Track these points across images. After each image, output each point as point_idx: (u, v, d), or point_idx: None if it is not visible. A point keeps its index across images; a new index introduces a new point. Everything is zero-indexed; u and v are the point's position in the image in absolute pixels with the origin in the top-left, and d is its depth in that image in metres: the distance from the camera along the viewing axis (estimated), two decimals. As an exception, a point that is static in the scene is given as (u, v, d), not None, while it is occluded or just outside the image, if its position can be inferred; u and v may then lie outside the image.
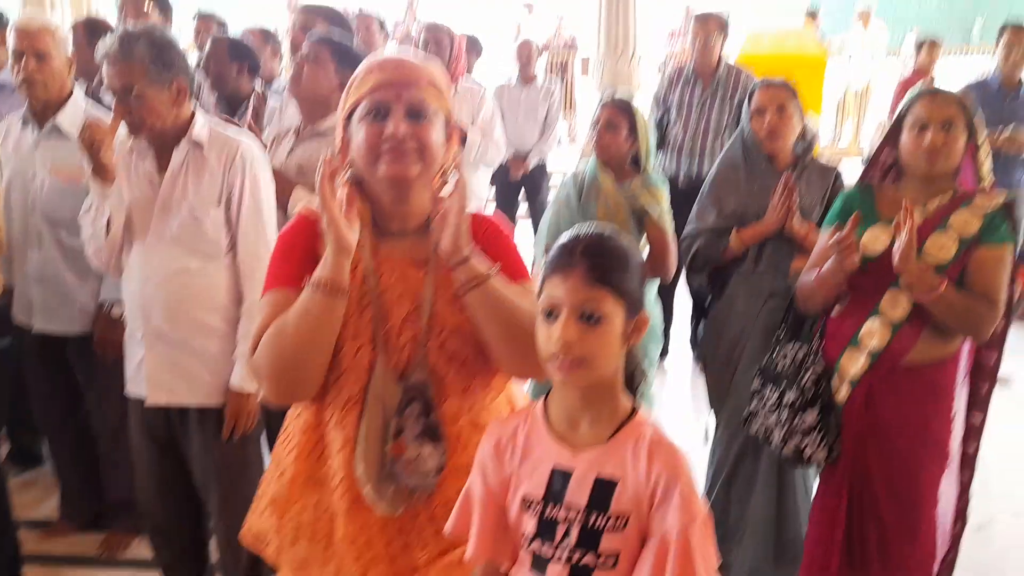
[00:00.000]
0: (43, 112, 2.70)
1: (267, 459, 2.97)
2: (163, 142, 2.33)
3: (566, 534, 1.35)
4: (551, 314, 1.32)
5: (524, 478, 1.40)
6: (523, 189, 5.70)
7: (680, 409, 4.31)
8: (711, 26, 4.50)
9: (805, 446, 2.36)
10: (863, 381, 2.31)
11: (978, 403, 2.42)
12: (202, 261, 2.31)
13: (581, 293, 1.29)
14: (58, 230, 2.73)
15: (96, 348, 2.78)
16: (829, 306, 2.41)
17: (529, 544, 1.38)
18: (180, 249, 2.31)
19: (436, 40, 3.97)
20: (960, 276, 2.22)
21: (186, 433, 2.43)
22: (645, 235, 3.07)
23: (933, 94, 2.29)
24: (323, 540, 1.60)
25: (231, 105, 3.63)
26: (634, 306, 1.33)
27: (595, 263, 1.30)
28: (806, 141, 2.90)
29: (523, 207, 5.95)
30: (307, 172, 2.72)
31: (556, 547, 1.35)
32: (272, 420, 2.92)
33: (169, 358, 2.34)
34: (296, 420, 1.65)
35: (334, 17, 3.70)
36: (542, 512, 1.37)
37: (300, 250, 1.55)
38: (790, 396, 2.39)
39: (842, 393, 2.35)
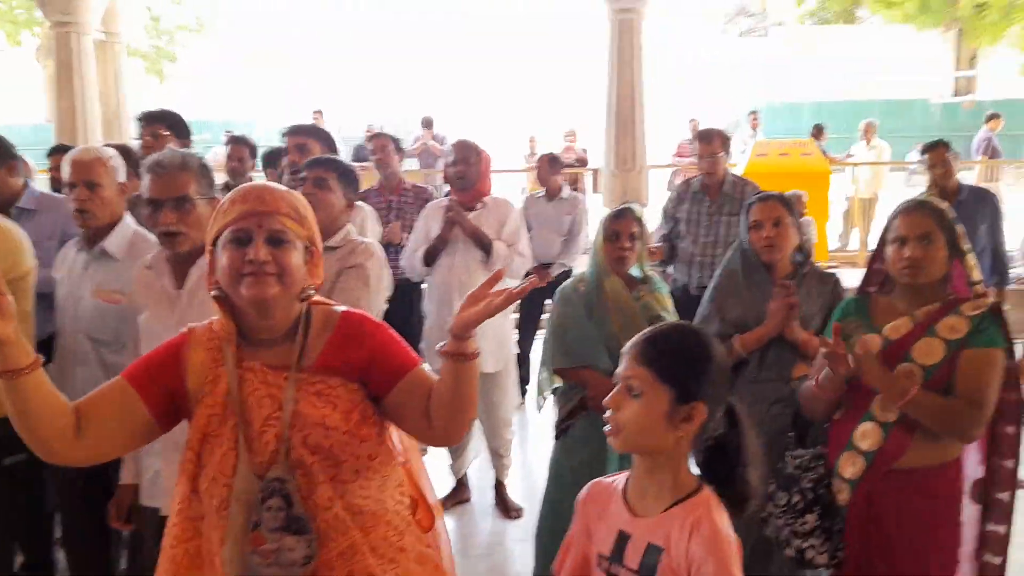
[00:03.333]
0: (95, 237, 2.84)
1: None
2: (182, 259, 2.46)
3: None
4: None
5: (599, 535, 1.62)
6: (547, 297, 5.83)
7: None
8: (715, 142, 4.70)
9: (806, 548, 2.39)
10: (862, 484, 2.35)
11: (1000, 514, 2.41)
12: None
13: (628, 370, 1.57)
14: (100, 349, 2.81)
15: None
16: (832, 412, 2.47)
17: None
18: None
19: (464, 157, 4.15)
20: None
21: None
22: None
23: (909, 209, 2.39)
24: None
25: None
26: (686, 394, 1.54)
27: (646, 348, 1.57)
28: (804, 251, 3.02)
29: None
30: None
31: None
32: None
33: None
34: (169, 532, 1.75)
35: (324, 136, 3.93)
36: (608, 568, 1.57)
37: (170, 367, 1.75)
38: (793, 499, 2.43)
39: (843, 495, 2.39)
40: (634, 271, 3.20)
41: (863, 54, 23.90)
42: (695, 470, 1.63)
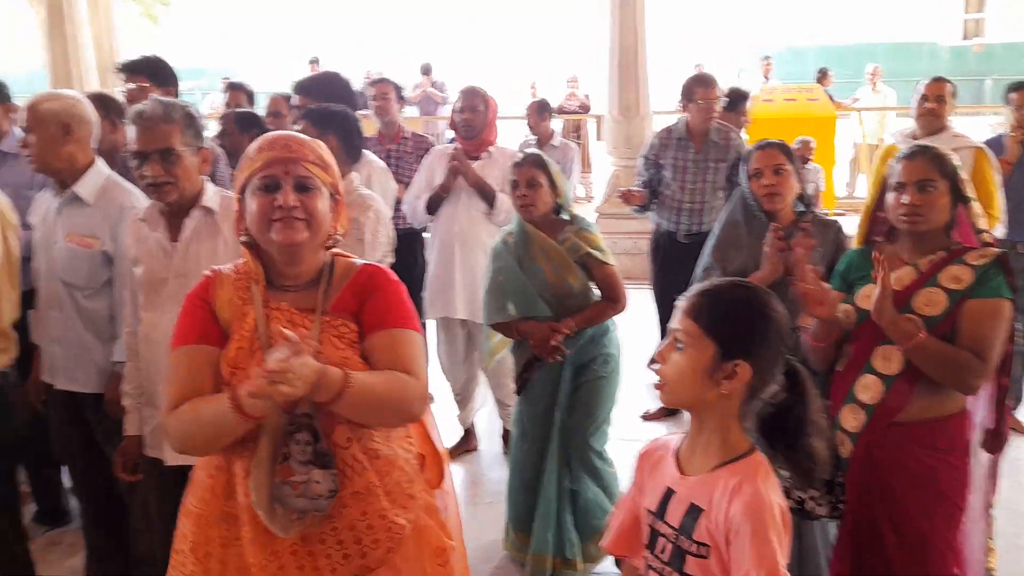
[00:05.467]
0: (66, 182, 2.84)
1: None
2: (175, 211, 2.46)
3: (663, 549, 1.54)
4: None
5: (648, 491, 1.62)
6: None
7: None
8: (715, 88, 4.62)
9: (806, 499, 2.37)
10: (863, 436, 2.33)
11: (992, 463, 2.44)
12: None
13: (676, 322, 1.55)
14: (75, 293, 2.84)
15: (107, 407, 2.86)
16: (831, 361, 2.45)
17: (644, 549, 1.61)
18: None
19: (471, 105, 4.08)
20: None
21: None
22: (592, 278, 3.17)
23: (911, 155, 2.34)
24: (235, 572, 1.72)
25: None
26: (730, 350, 1.50)
27: (695, 301, 1.55)
28: (805, 199, 2.98)
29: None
30: None
31: (656, 558, 1.56)
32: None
33: None
34: (202, 467, 1.81)
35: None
36: (652, 523, 1.58)
37: (201, 308, 1.79)
38: None
39: (845, 448, 2.37)
40: (564, 214, 3.21)
41: (870, -5, 23.46)
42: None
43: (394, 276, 1.84)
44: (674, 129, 4.74)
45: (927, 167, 2.30)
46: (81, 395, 2.92)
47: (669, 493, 1.55)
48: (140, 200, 2.90)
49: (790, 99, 9.59)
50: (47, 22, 7.89)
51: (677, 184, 4.67)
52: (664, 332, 4.57)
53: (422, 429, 1.91)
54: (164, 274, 2.45)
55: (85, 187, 2.83)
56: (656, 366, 1.56)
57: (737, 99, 5.36)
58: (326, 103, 3.28)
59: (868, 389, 2.32)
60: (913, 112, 4.37)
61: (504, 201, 4.00)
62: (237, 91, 5.29)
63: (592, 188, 11.24)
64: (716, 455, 1.52)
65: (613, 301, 3.18)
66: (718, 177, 4.61)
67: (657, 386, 1.56)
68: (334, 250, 1.84)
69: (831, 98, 10.31)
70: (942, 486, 2.30)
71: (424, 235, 4.53)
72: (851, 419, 2.36)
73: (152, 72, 3.82)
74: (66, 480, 3.76)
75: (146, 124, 2.36)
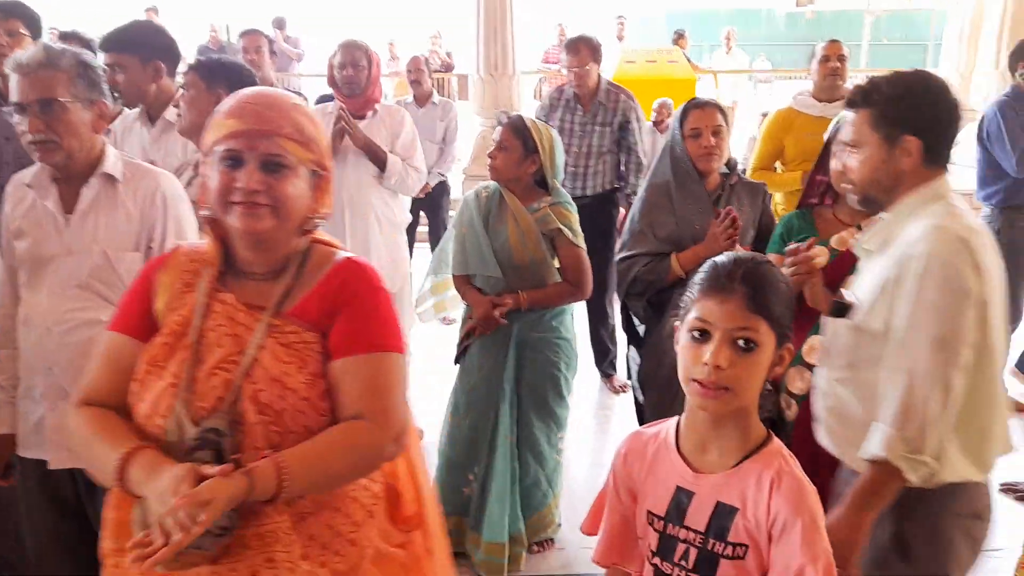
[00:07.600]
0: None
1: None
2: (69, 176, 2.13)
3: (684, 555, 1.39)
4: (702, 335, 1.33)
5: (649, 493, 1.44)
6: (422, 208, 5.62)
7: (587, 426, 4.34)
8: (583, 53, 4.50)
9: None
10: (810, 399, 2.28)
11: None
12: (114, 310, 2.10)
13: (739, 320, 1.31)
14: None
15: None
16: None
17: (652, 557, 1.44)
18: (89, 297, 2.11)
19: (353, 60, 3.78)
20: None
21: (93, 494, 2.19)
22: (557, 256, 3.03)
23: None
24: None
25: None
26: (784, 336, 1.36)
27: (755, 290, 1.32)
28: (730, 162, 2.93)
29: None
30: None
31: (675, 565, 1.40)
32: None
33: None
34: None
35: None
36: (663, 529, 1.42)
37: (139, 291, 1.56)
38: None
39: (791, 412, 2.35)
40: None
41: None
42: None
43: (377, 280, 1.54)
44: (565, 90, 4.63)
45: None
46: None
47: (683, 494, 1.40)
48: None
49: (651, 61, 9.68)
50: None
51: (563, 147, 4.55)
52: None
53: (405, 462, 1.63)
54: (53, 250, 2.11)
55: None
56: (708, 372, 1.31)
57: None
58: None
59: (815, 350, 2.27)
60: (813, 75, 4.38)
61: (396, 163, 3.76)
62: (71, 42, 4.71)
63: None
64: (738, 449, 1.38)
65: (575, 285, 3.01)
66: (604, 141, 4.53)
67: (712, 395, 1.32)
68: (314, 236, 1.56)
69: (689, 60, 10.51)
70: None
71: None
72: (797, 381, 2.33)
73: (29, 20, 3.22)
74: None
75: (27, 72, 2.01)
